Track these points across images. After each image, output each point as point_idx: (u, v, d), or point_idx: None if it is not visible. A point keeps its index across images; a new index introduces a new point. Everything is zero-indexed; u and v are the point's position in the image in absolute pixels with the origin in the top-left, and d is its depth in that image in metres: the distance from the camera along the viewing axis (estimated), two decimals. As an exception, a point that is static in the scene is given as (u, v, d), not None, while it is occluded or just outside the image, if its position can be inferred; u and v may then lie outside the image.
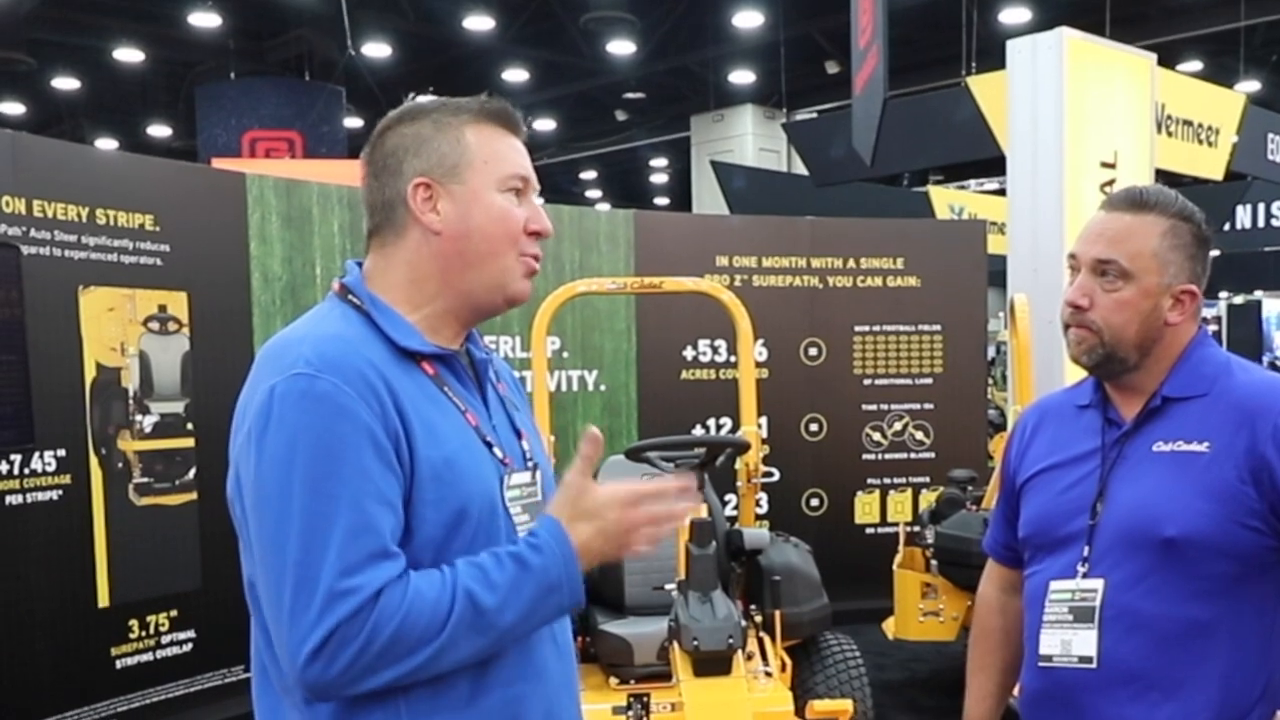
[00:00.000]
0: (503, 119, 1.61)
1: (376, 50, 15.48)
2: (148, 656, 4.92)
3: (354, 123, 16.85)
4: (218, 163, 12.54)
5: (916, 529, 5.47)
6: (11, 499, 4.41)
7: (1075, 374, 1.99)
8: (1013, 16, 13.10)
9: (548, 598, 1.46)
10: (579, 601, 1.51)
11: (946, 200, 13.53)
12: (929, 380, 6.98)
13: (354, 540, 1.37)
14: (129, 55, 15.71)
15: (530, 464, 1.65)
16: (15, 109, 18.71)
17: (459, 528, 1.48)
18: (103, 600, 4.74)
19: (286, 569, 1.37)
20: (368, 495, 1.39)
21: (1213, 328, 13.84)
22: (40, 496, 4.51)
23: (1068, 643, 1.82)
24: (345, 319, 1.54)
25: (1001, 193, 10.92)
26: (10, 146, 4.55)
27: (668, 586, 3.69)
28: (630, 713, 3.58)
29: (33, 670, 4.47)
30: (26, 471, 4.47)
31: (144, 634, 4.91)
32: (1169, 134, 7.55)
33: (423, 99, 1.64)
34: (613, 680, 4.05)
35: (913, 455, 6.98)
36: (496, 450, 1.58)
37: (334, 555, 1.36)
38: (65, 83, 17.28)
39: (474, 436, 1.55)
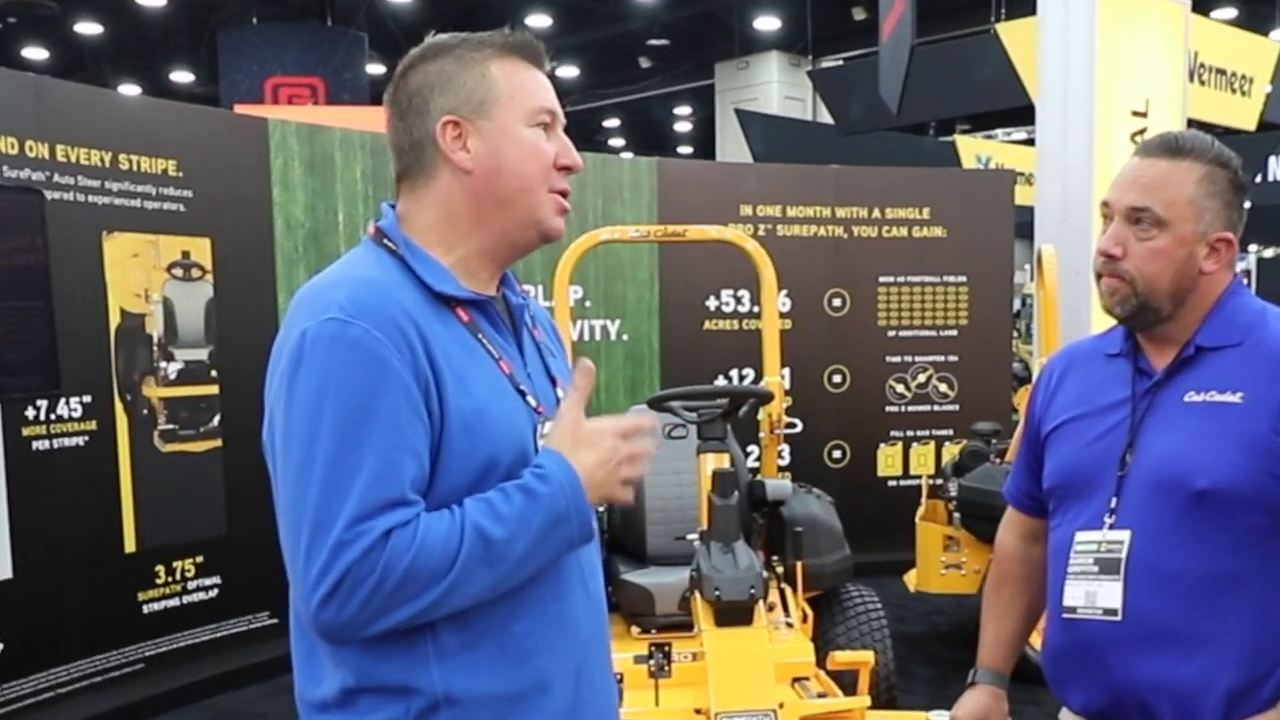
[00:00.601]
0: (527, 52, 1.58)
1: (399, -5, 15.37)
2: (174, 602, 4.98)
3: (376, 69, 16.74)
4: (240, 109, 12.51)
5: (939, 482, 5.45)
6: (38, 444, 4.45)
7: (1101, 326, 1.96)
8: (1044, -38, 12.88)
9: (557, 528, 1.45)
10: (589, 532, 1.50)
11: (973, 150, 13.39)
12: (954, 332, 6.94)
13: (374, 488, 1.36)
14: (152, 0, 15.65)
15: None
16: (39, 54, 18.69)
17: (488, 477, 1.46)
18: (129, 546, 4.79)
19: (305, 513, 1.37)
20: (394, 443, 1.38)
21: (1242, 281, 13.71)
22: (66, 442, 4.55)
23: (1092, 595, 1.79)
24: (380, 263, 1.52)
25: (1030, 143, 10.80)
26: (34, 91, 4.54)
27: (689, 536, 3.69)
28: (652, 662, 3.59)
29: (61, 614, 4.53)
30: (53, 417, 4.50)
31: (170, 579, 4.96)
32: (1201, 83, 7.45)
33: (443, 35, 1.60)
34: (634, 629, 4.07)
35: (936, 407, 6.95)
36: (530, 399, 1.56)
37: (353, 502, 1.35)
38: (88, 28, 17.23)
39: (507, 385, 1.54)
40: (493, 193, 1.54)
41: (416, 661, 1.44)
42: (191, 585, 5.04)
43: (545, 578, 1.51)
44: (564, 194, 1.59)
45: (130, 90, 19.35)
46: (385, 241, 1.55)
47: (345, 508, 1.35)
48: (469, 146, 1.53)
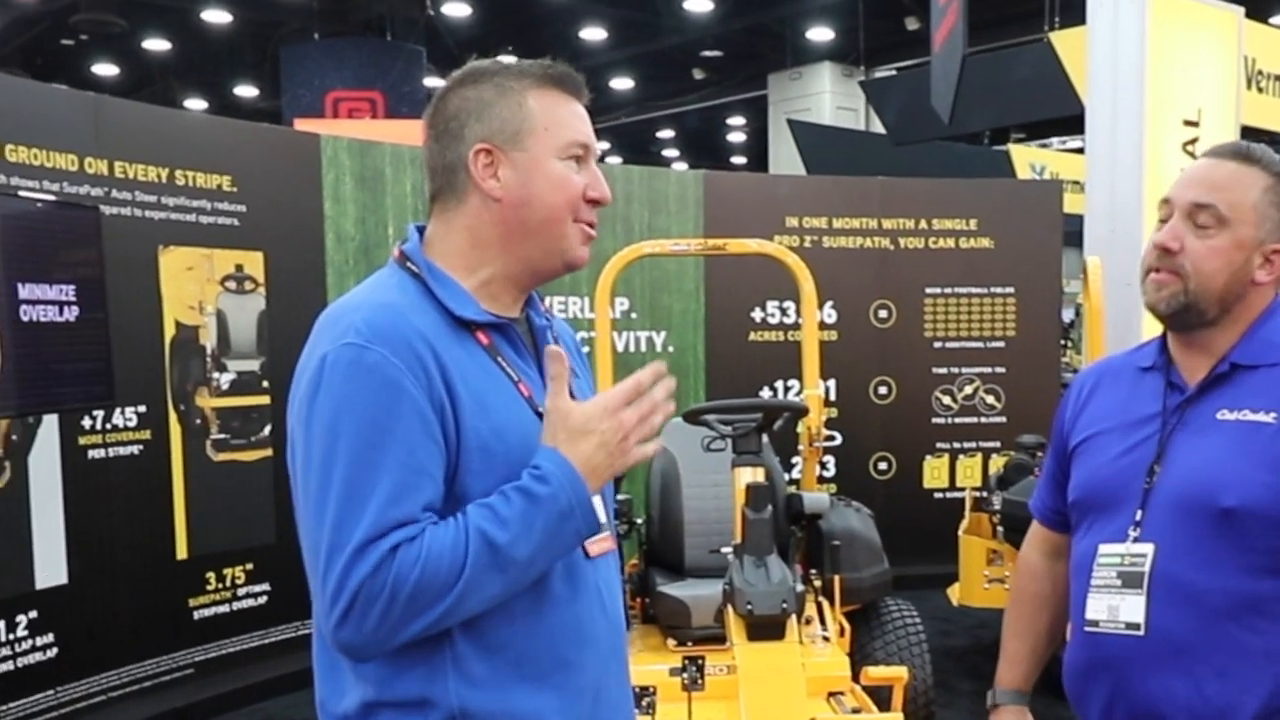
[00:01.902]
0: (565, 84, 1.60)
1: (456, 10, 15.53)
2: (224, 608, 5.08)
3: (434, 82, 16.91)
4: (300, 123, 12.71)
5: (983, 495, 5.41)
6: (94, 453, 4.57)
7: (1149, 336, 1.94)
8: (1099, -31, 12.72)
9: (562, 525, 1.45)
10: (595, 526, 1.49)
11: (1028, 159, 13.27)
12: (1001, 344, 6.89)
13: (388, 509, 1.39)
14: (217, 16, 15.95)
15: None
16: (109, 70, 19.10)
17: None
18: (181, 552, 4.90)
19: (323, 534, 1.40)
20: (408, 466, 1.41)
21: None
22: (121, 451, 4.67)
23: (1115, 608, 1.77)
24: (401, 287, 1.54)
25: (1085, 151, 10.68)
26: (94, 109, 4.68)
27: (724, 550, 3.70)
28: (685, 675, 3.61)
29: (113, 619, 4.64)
30: (109, 427, 4.62)
31: (220, 586, 5.07)
32: (1258, 89, 7.32)
33: (485, 61, 1.62)
34: (670, 641, 4.09)
35: (983, 419, 6.91)
36: None
37: (366, 523, 1.38)
38: (156, 44, 17.57)
39: (526, 407, 1.55)
40: (521, 222, 1.56)
41: (435, 676, 1.46)
42: (241, 592, 5.15)
43: (562, 596, 1.53)
44: (590, 225, 1.61)
45: (196, 105, 19.75)
46: (408, 264, 1.57)
47: (359, 528, 1.38)
48: (500, 175, 1.56)
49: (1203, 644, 1.71)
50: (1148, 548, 1.76)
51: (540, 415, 1.55)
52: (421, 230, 1.64)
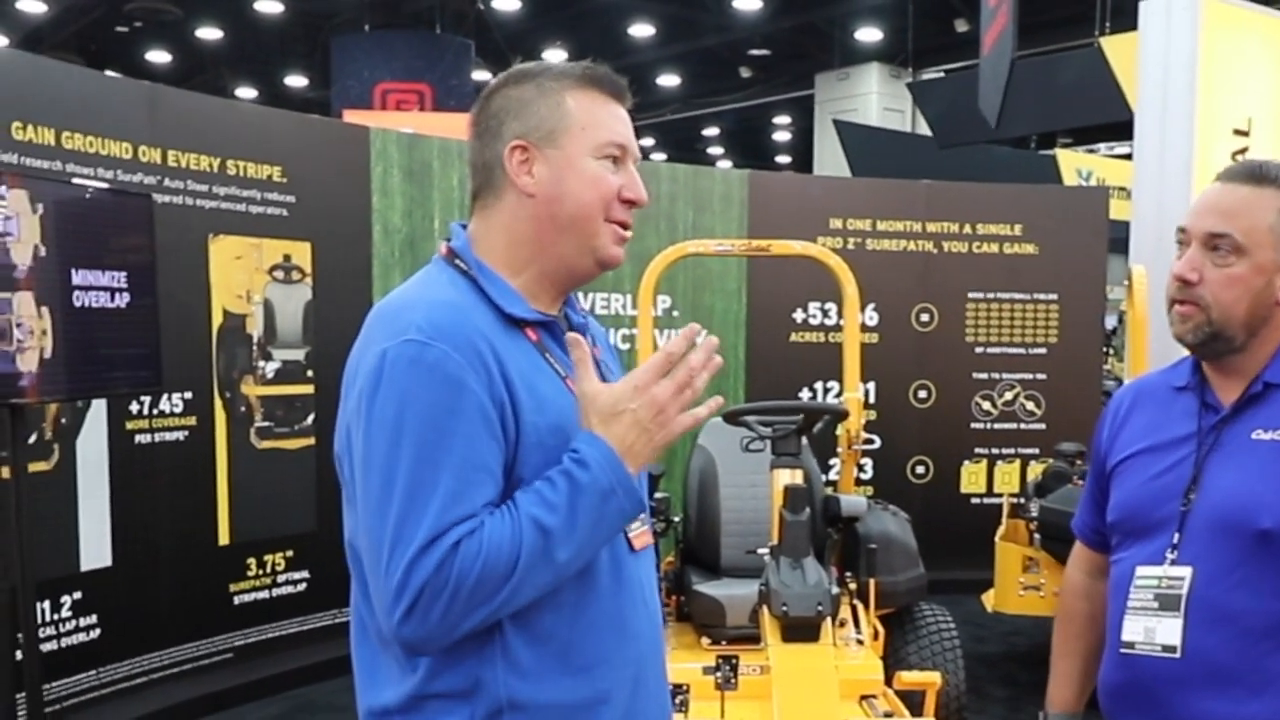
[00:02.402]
0: (606, 85, 1.61)
1: (506, 4, 15.60)
2: (264, 594, 5.16)
3: (482, 76, 17.01)
4: (349, 114, 12.82)
5: (1020, 501, 5.39)
6: (141, 438, 4.65)
7: (1176, 341, 1.93)
8: (1152, -26, 12.58)
9: (606, 505, 1.45)
10: (640, 504, 1.50)
11: (1074, 164, 13.16)
12: (1043, 350, 6.86)
13: (450, 507, 1.40)
14: (269, 6, 16.12)
15: None
16: (161, 58, 19.32)
17: None
18: (223, 538, 4.98)
19: (385, 531, 1.40)
20: (470, 463, 1.42)
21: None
22: (167, 437, 4.75)
23: (1151, 630, 1.77)
24: (454, 284, 1.56)
25: (1133, 157, 10.59)
26: (149, 98, 4.75)
27: (761, 550, 3.71)
28: (719, 674, 3.62)
29: (155, 602, 4.72)
30: (155, 412, 4.70)
31: (261, 572, 5.14)
32: (1313, 100, 7.22)
33: (530, 63, 1.65)
34: (704, 640, 4.10)
35: (1023, 426, 6.87)
36: None
37: (429, 520, 1.39)
38: (209, 33, 17.77)
39: (574, 402, 1.56)
40: (553, 218, 1.58)
41: (484, 667, 1.48)
42: (281, 579, 5.22)
43: (607, 589, 1.54)
44: (624, 225, 1.61)
45: (246, 94, 19.95)
46: (457, 262, 1.59)
47: (422, 526, 1.39)
48: (534, 172, 1.57)
49: (1239, 666, 1.71)
50: (1185, 571, 1.76)
51: None
52: (464, 228, 1.66)
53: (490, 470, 1.44)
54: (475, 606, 1.40)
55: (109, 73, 5.63)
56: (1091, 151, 15.43)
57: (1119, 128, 10.94)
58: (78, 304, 4.28)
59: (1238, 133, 5.88)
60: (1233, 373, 1.83)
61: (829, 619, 3.42)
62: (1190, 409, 1.86)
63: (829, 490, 4.71)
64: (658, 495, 4.30)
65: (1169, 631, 1.75)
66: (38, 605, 4.02)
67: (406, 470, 1.41)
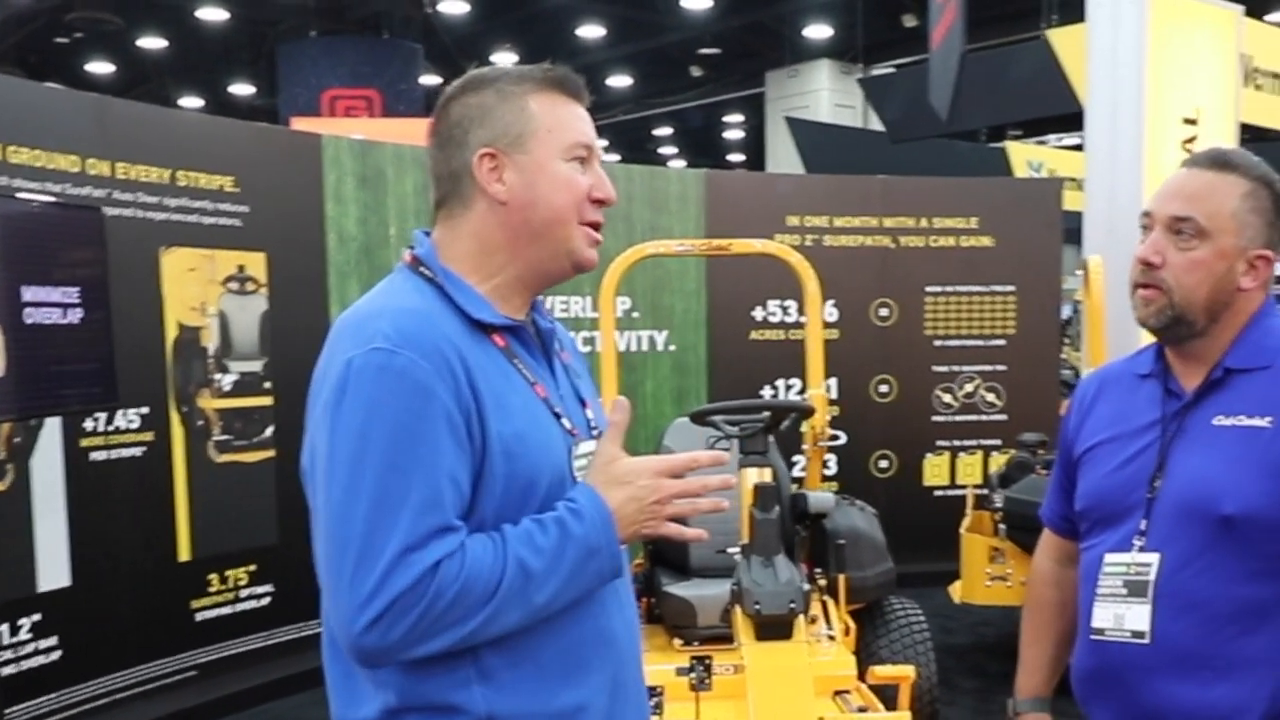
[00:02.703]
0: (566, 86, 1.61)
1: (453, 8, 15.54)
2: (226, 610, 5.08)
3: (431, 80, 16.93)
4: (297, 121, 12.71)
5: (985, 492, 5.43)
6: (96, 455, 4.56)
7: (1149, 337, 1.95)
8: (1097, -34, 12.73)
9: (588, 563, 1.47)
10: (618, 568, 1.53)
11: (1025, 156, 13.31)
12: (1001, 342, 6.91)
13: (421, 516, 1.39)
14: (213, 15, 15.95)
15: (595, 433, 1.66)
16: (104, 68, 19.09)
17: (527, 500, 1.49)
18: (183, 554, 4.90)
19: (351, 539, 1.39)
20: (439, 472, 1.41)
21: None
22: (124, 453, 4.66)
23: (1120, 617, 1.79)
24: (419, 292, 1.55)
25: (1082, 148, 10.72)
26: (96, 110, 4.68)
27: (731, 550, 3.71)
28: (693, 674, 3.61)
29: (116, 622, 4.64)
30: (111, 429, 4.61)
31: (223, 587, 5.07)
32: (1256, 87, 7.35)
33: (486, 69, 1.63)
34: (676, 641, 4.09)
35: (984, 417, 6.92)
36: (565, 421, 1.59)
37: (401, 530, 1.38)
38: (151, 42, 17.56)
39: (543, 408, 1.57)
40: (527, 224, 1.57)
41: (459, 681, 1.46)
42: (244, 593, 5.15)
43: (584, 597, 1.53)
44: (595, 225, 1.62)
45: (192, 104, 19.73)
46: (422, 270, 1.58)
47: (394, 535, 1.38)
48: (504, 179, 1.56)
49: (1207, 650, 1.73)
50: (1153, 557, 1.78)
51: (557, 415, 1.58)
52: (427, 235, 1.64)
53: (456, 478, 1.43)
54: (441, 630, 1.39)
55: (51, 84, 5.53)
56: (1041, 143, 15.61)
57: (1068, 119, 11.07)
58: (29, 321, 4.20)
59: (1187, 121, 5.96)
60: (1194, 359, 1.85)
61: (801, 616, 3.43)
62: (1154, 396, 1.87)
63: (796, 487, 4.71)
64: None
65: (1137, 618, 1.78)
66: (-4, 629, 3.95)
67: (374, 478, 1.39)
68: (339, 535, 1.40)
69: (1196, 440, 1.79)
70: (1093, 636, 1.84)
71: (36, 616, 4.33)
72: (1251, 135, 7.35)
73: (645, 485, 1.51)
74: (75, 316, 4.41)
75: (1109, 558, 1.83)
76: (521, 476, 1.48)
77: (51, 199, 4.38)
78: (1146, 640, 1.76)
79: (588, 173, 1.60)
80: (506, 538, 1.44)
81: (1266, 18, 11.19)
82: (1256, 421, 1.75)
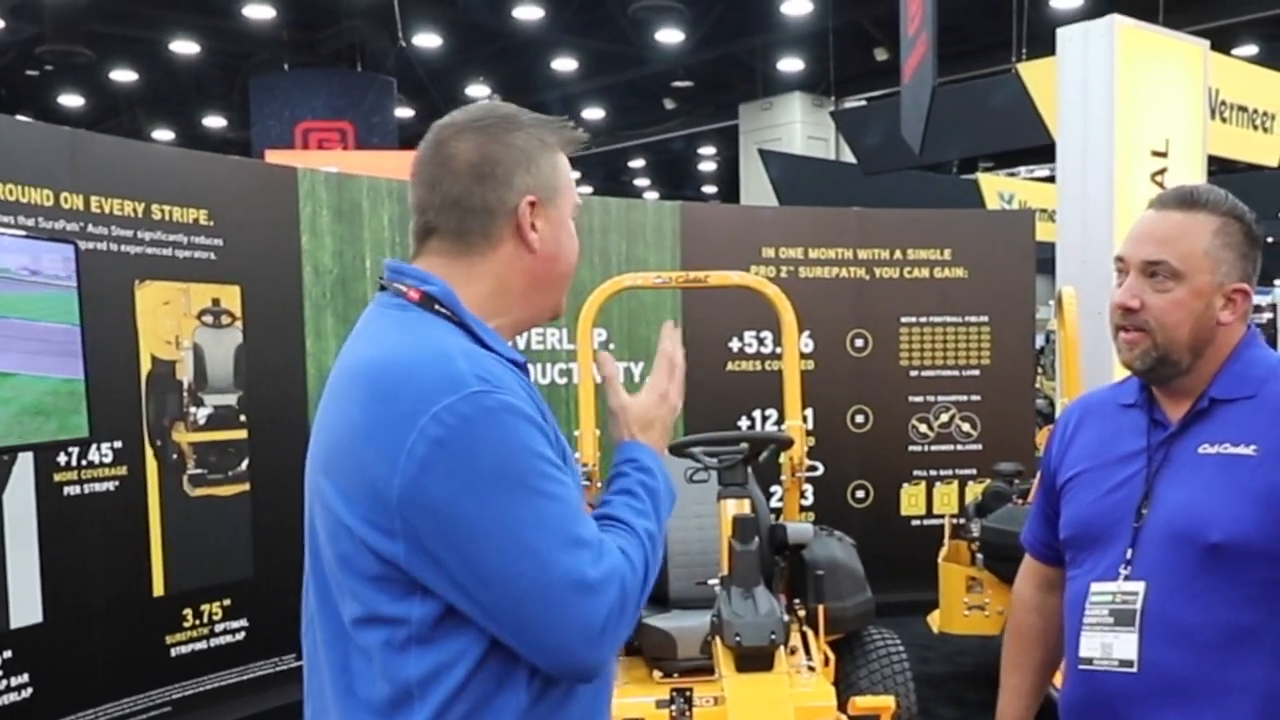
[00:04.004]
0: (575, 148, 1.67)
1: (427, 41, 15.58)
2: (201, 645, 5.02)
3: (405, 113, 16.98)
4: (271, 154, 12.70)
5: (962, 522, 5.44)
6: (70, 489, 4.52)
7: (1123, 367, 1.97)
8: (1064, 2, 12.91)
9: (667, 500, 1.62)
10: (673, 492, 1.66)
11: (996, 187, 13.42)
12: (976, 371, 6.95)
13: (590, 526, 1.45)
14: (185, 47, 15.94)
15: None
16: (75, 101, 19.03)
17: None
18: (158, 589, 4.85)
19: (548, 570, 1.38)
20: (574, 500, 1.45)
21: (1266, 315, 13.54)
22: (98, 487, 4.62)
23: (1108, 646, 1.80)
24: (450, 332, 1.50)
25: (1053, 179, 10.85)
26: (69, 144, 4.65)
27: (710, 581, 3.71)
28: (673, 707, 3.60)
29: (89, 658, 4.58)
30: (84, 463, 4.57)
31: (198, 622, 5.01)
32: (1223, 119, 7.46)
33: (504, 106, 1.61)
34: (656, 673, 4.07)
35: (959, 447, 6.95)
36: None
37: (587, 546, 1.41)
38: (123, 75, 17.54)
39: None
40: (547, 275, 1.61)
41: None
42: (219, 628, 5.09)
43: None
44: None
45: (164, 136, 19.68)
46: (439, 309, 1.52)
47: (586, 553, 1.41)
48: (538, 228, 1.57)
49: (1195, 679, 1.74)
50: (1139, 586, 1.78)
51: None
52: (424, 271, 1.58)
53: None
54: (630, 620, 1.46)
55: (22, 118, 5.53)
56: (1013, 175, 15.76)
57: (1039, 151, 11.20)
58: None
59: (1156, 154, 6.03)
60: (1179, 391, 1.86)
61: (782, 647, 3.42)
62: (1139, 425, 1.89)
63: (774, 518, 4.71)
64: None
65: (1125, 646, 1.78)
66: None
67: (544, 507, 1.40)
68: (529, 572, 1.38)
69: (1183, 469, 1.80)
70: (1081, 666, 1.84)
71: (8, 653, 4.28)
72: (1219, 167, 7.46)
73: (665, 412, 1.68)
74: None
75: (1095, 587, 1.84)
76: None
77: (21, 234, 4.35)
78: (1135, 669, 1.77)
79: None
80: (627, 518, 1.54)
81: (1233, 52, 11.39)
82: (1241, 450, 1.76)
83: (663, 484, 1.62)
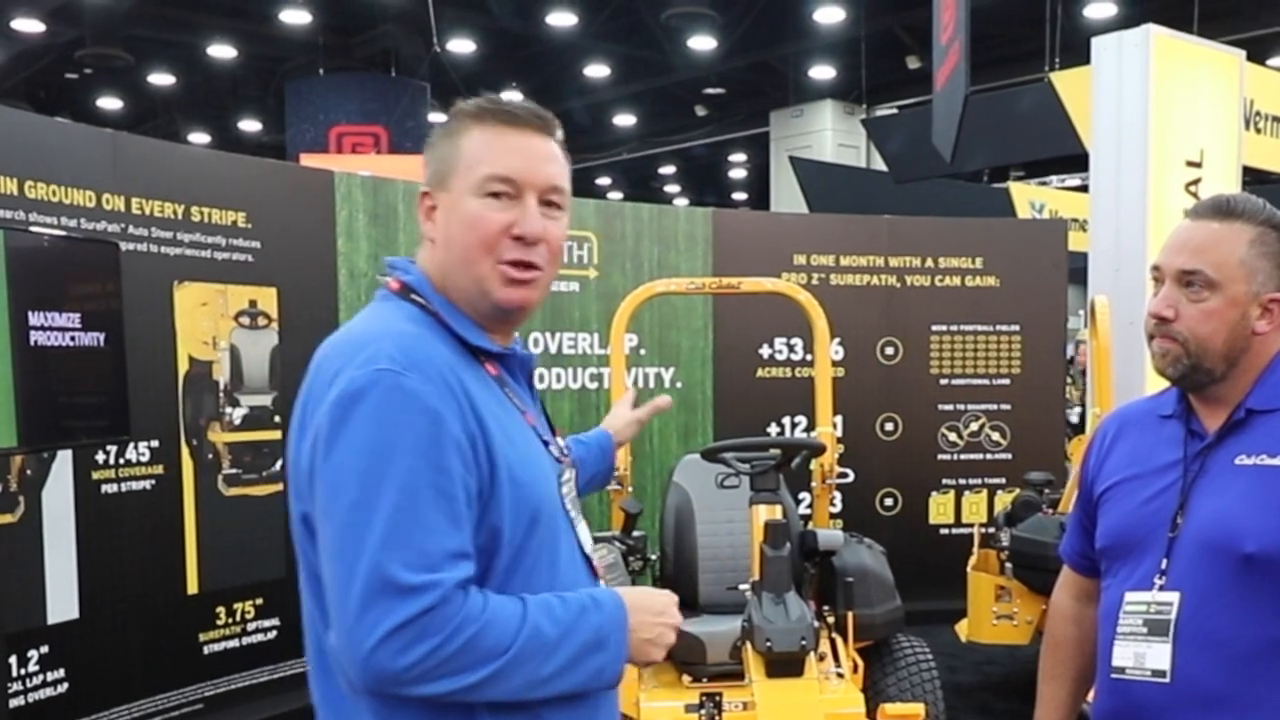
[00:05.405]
0: (503, 116, 1.55)
1: (461, 46, 15.67)
2: (234, 643, 5.08)
3: (438, 118, 17.03)
4: (305, 158, 12.80)
5: (991, 531, 5.43)
6: (107, 488, 4.58)
7: (1155, 377, 1.95)
8: (1098, 11, 12.86)
9: (596, 653, 1.47)
10: (618, 673, 1.51)
11: (1027, 197, 13.36)
12: (1006, 380, 6.93)
13: (436, 538, 1.37)
14: (222, 52, 16.09)
15: (570, 461, 1.69)
16: (113, 104, 19.22)
17: (534, 527, 1.49)
18: (192, 587, 4.90)
19: (362, 558, 1.34)
20: (450, 495, 1.39)
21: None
22: (134, 486, 4.68)
23: (1141, 655, 1.79)
24: (413, 319, 1.52)
25: (1084, 189, 10.79)
26: (111, 146, 4.71)
27: (741, 586, 3.72)
28: (703, 711, 3.61)
29: (124, 654, 4.63)
30: (121, 461, 4.63)
31: (231, 621, 5.06)
32: (1258, 130, 7.40)
33: (474, 100, 1.62)
34: (685, 678, 4.08)
35: (989, 456, 6.93)
36: (552, 448, 1.61)
37: (415, 550, 1.35)
38: (161, 79, 17.71)
39: (534, 437, 1.58)
40: (447, 262, 1.56)
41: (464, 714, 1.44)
42: (251, 627, 5.14)
43: (581, 707, 1.54)
44: (519, 264, 1.55)
45: (200, 140, 19.86)
46: (414, 297, 1.56)
47: (410, 554, 1.35)
48: (434, 218, 1.57)
49: (1229, 689, 1.73)
50: (1173, 596, 1.78)
51: (545, 443, 1.59)
52: (412, 262, 1.64)
53: (468, 502, 1.42)
54: (451, 670, 1.36)
55: (62, 119, 5.61)
56: (1044, 184, 15.68)
57: (1071, 160, 11.15)
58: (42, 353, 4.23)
59: (1190, 164, 6.01)
60: (1216, 402, 1.86)
61: (812, 653, 3.43)
62: (1176, 436, 1.89)
63: (803, 525, 4.72)
64: (635, 534, 4.29)
65: (1158, 657, 1.78)
66: (4, 660, 3.94)
67: (387, 500, 1.36)
68: (350, 554, 1.36)
69: (1218, 480, 1.80)
70: (1113, 676, 1.84)
71: (45, 649, 4.33)
72: (1253, 178, 7.41)
73: (665, 609, 1.58)
74: (88, 350, 4.43)
75: (1129, 596, 1.83)
76: (528, 503, 1.48)
77: (61, 233, 4.41)
78: (1167, 679, 1.76)
79: (511, 208, 1.54)
80: (528, 601, 1.43)
81: (1269, 62, 11.31)
82: (1278, 461, 1.76)
83: (605, 627, 1.48)
